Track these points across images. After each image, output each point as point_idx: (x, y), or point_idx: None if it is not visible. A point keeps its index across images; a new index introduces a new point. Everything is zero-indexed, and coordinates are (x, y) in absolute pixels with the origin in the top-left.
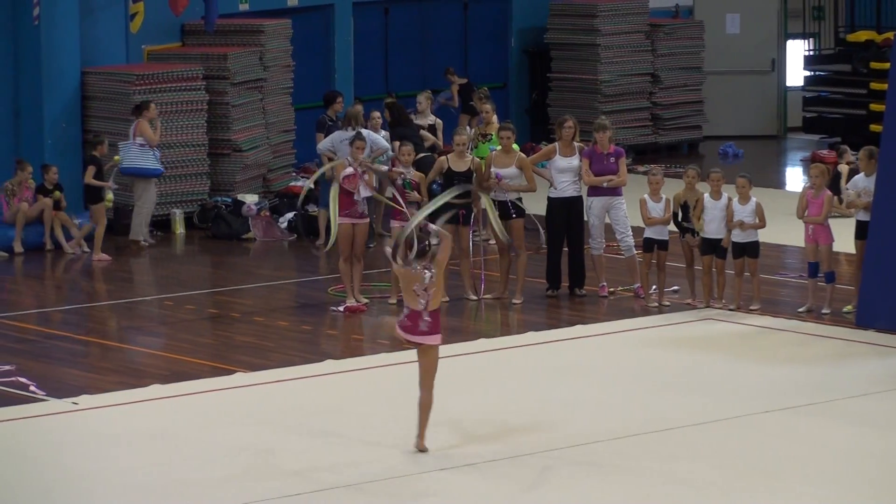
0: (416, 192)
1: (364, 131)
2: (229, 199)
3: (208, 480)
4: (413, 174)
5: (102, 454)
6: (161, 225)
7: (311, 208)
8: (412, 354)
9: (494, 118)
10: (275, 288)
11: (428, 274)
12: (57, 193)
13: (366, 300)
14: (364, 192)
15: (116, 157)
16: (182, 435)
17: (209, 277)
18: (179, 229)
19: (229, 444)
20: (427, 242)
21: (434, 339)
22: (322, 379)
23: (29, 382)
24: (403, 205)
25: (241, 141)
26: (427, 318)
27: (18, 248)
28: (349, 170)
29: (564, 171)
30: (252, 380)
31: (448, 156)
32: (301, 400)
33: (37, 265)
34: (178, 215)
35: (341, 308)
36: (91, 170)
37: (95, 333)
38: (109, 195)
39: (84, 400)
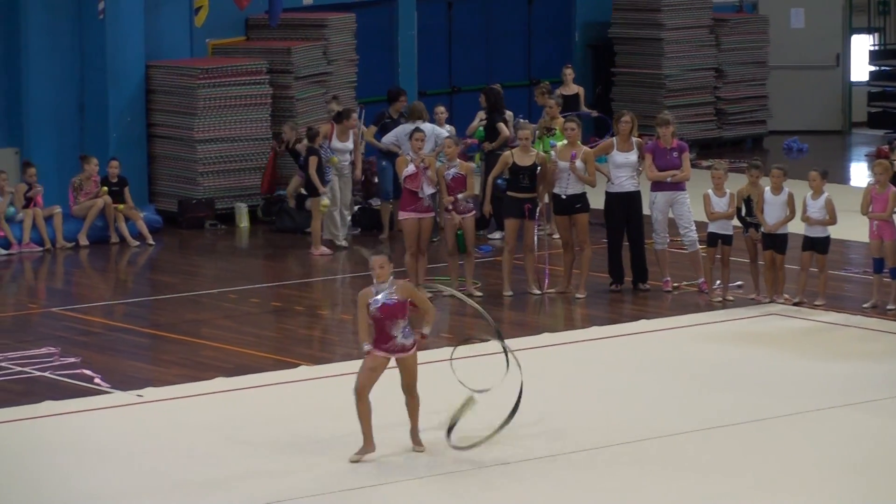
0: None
1: (427, 125)
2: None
3: (269, 472)
4: (460, 167)
5: (166, 446)
6: (225, 218)
7: (375, 202)
8: (472, 349)
9: (558, 112)
10: (339, 281)
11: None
12: (105, 189)
13: (430, 294)
14: (427, 189)
15: (334, 159)
16: (246, 428)
17: (273, 271)
18: (244, 223)
19: (291, 438)
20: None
21: (409, 353)
22: (385, 373)
23: (94, 375)
24: (455, 199)
25: (301, 136)
26: (400, 339)
27: (84, 241)
28: (411, 168)
29: (622, 166)
30: (316, 373)
31: (513, 150)
32: None
33: (101, 258)
34: (242, 209)
35: None
36: (313, 161)
37: (160, 326)
38: (325, 201)
39: (148, 392)
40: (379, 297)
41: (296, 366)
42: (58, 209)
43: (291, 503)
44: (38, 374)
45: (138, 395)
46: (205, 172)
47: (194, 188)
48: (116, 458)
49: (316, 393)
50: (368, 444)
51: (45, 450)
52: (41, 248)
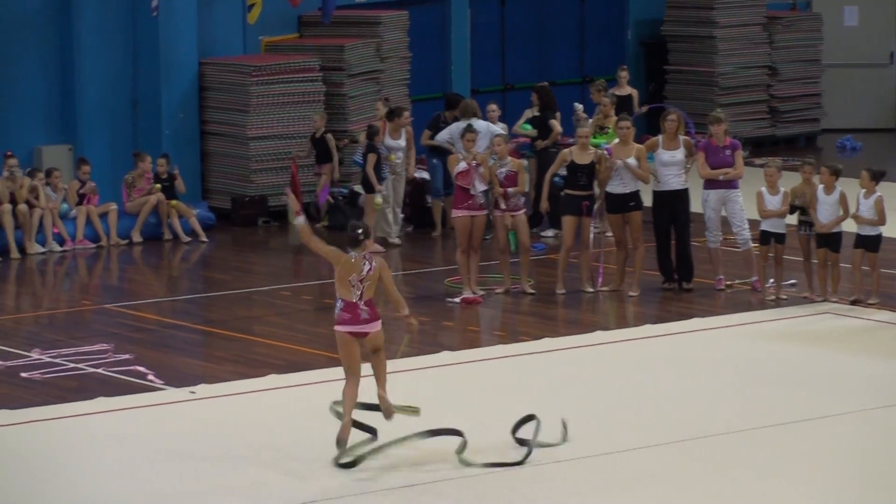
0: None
1: (482, 123)
2: (345, 191)
3: (322, 468)
4: (512, 165)
5: (218, 443)
6: (278, 215)
7: (427, 200)
8: (527, 346)
9: (612, 111)
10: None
11: (367, 266)
12: (157, 186)
13: (482, 292)
14: (480, 186)
15: (392, 157)
16: (297, 426)
17: (325, 268)
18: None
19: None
20: (359, 232)
21: (377, 325)
22: (438, 370)
23: (147, 371)
24: (507, 196)
25: (358, 132)
26: (364, 307)
27: (137, 237)
28: (462, 165)
29: (668, 165)
30: (369, 370)
31: (571, 148)
32: (418, 391)
33: (155, 255)
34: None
35: (457, 300)
36: (372, 158)
37: (213, 323)
38: (379, 199)
39: (201, 389)
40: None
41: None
42: (112, 206)
43: (356, 498)
44: (92, 370)
45: (191, 392)
46: (258, 169)
47: (247, 185)
48: (169, 455)
49: (368, 389)
50: (344, 432)
51: (97, 446)
52: (95, 245)
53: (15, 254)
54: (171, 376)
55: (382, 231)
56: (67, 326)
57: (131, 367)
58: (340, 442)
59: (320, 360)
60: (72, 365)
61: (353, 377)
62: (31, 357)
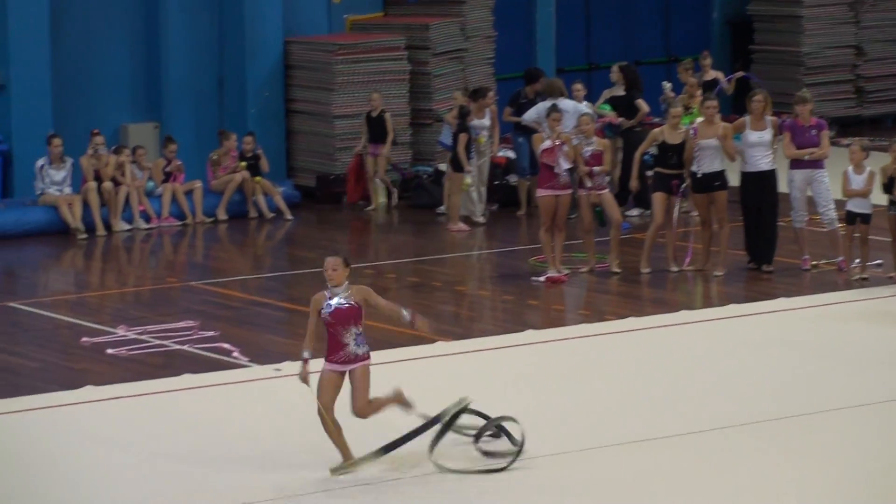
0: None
1: (569, 102)
2: (430, 169)
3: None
4: (598, 144)
5: (303, 420)
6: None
7: (512, 178)
8: (612, 325)
9: (699, 92)
10: (476, 258)
11: (330, 307)
12: (242, 164)
13: (567, 271)
14: (564, 164)
15: (481, 139)
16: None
17: (410, 246)
18: (382, 198)
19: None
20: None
21: (363, 364)
22: (523, 349)
23: (232, 349)
24: (592, 175)
25: (443, 111)
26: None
27: (223, 215)
28: (547, 143)
29: (755, 145)
30: (453, 349)
31: (662, 127)
32: (502, 369)
33: (240, 233)
34: (379, 185)
35: (542, 278)
36: (463, 138)
37: (298, 301)
38: (468, 179)
39: (287, 367)
40: (332, 301)
41: (434, 342)
42: (198, 184)
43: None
44: (178, 347)
45: (276, 370)
46: (342, 148)
47: (332, 163)
48: (254, 433)
49: (453, 368)
50: (347, 456)
51: (183, 423)
52: (180, 223)
53: (101, 231)
54: (257, 354)
55: (467, 210)
56: (153, 303)
57: (217, 344)
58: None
59: (403, 338)
60: (157, 342)
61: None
62: (116, 333)
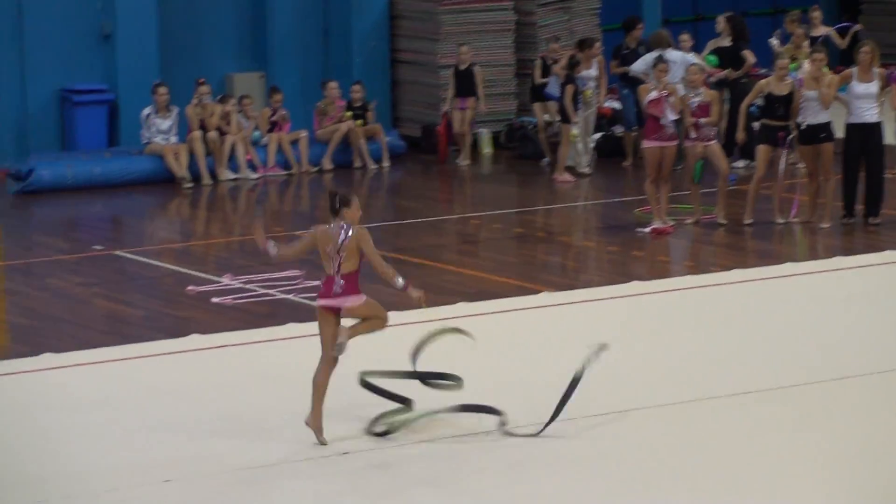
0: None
1: (676, 53)
2: (535, 120)
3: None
4: (705, 95)
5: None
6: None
7: (617, 129)
8: (717, 277)
9: (806, 43)
10: (581, 208)
11: (342, 236)
12: (348, 114)
13: (672, 222)
14: (671, 116)
15: (588, 92)
16: (487, 351)
17: (515, 197)
18: (487, 149)
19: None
20: (336, 199)
21: (353, 301)
22: (628, 300)
23: None
24: (698, 127)
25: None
26: (340, 282)
27: (328, 165)
28: (653, 94)
29: (862, 97)
30: (558, 300)
31: (768, 79)
32: (610, 319)
33: (345, 182)
34: (485, 135)
35: (648, 229)
36: (570, 89)
37: (402, 250)
38: (575, 130)
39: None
40: (334, 234)
41: (537, 292)
42: (303, 133)
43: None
44: (283, 296)
45: None
46: (447, 98)
47: (437, 113)
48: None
49: (558, 319)
50: (314, 418)
51: (288, 371)
52: (286, 172)
53: (207, 180)
54: None
55: (574, 161)
56: (258, 253)
57: None
58: (314, 429)
59: (509, 288)
60: (263, 291)
61: (324, 356)
62: (222, 282)
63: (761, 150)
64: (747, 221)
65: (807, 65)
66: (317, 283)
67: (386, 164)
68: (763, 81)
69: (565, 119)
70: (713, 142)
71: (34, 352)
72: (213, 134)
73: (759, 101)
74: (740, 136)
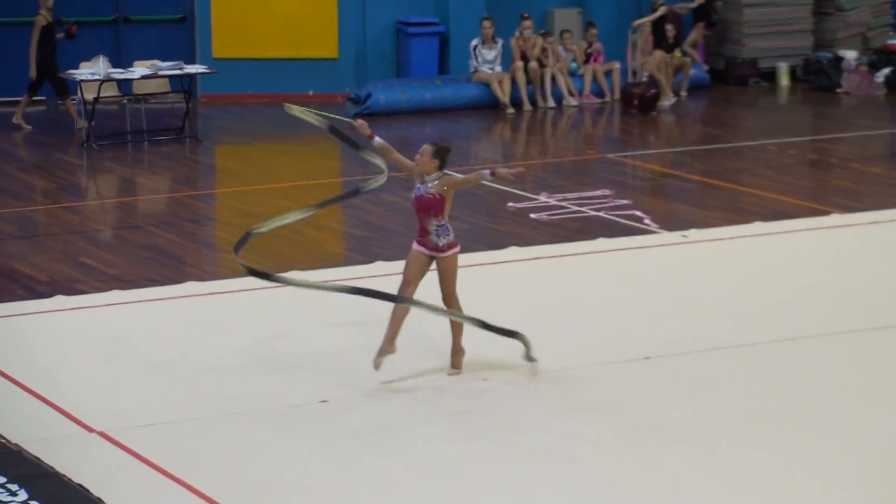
0: None
1: None
2: (830, 55)
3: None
4: None
5: (703, 282)
6: (767, 76)
7: None
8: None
9: None
10: (870, 137)
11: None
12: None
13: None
14: None
15: None
16: (781, 267)
17: (810, 126)
18: (784, 81)
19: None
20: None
21: (447, 252)
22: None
23: (644, 216)
24: None
25: (845, 1)
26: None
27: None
28: None
29: None
30: (845, 221)
31: None
32: (892, 240)
33: (653, 110)
34: (783, 68)
35: None
36: None
37: (706, 174)
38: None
39: (692, 233)
40: (420, 186)
41: (827, 213)
42: (616, 65)
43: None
44: (594, 213)
45: (683, 236)
46: (750, 34)
47: (740, 48)
48: (664, 293)
49: (843, 239)
50: (389, 345)
51: (596, 280)
52: (599, 100)
53: (527, 106)
54: (666, 221)
55: None
56: (573, 173)
57: (629, 212)
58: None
59: (802, 210)
60: (575, 208)
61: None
62: (539, 200)
63: None
64: None
65: None
66: (625, 201)
67: (683, 93)
68: None
69: None
70: None
71: (368, 260)
72: (533, 64)
73: None
74: None
